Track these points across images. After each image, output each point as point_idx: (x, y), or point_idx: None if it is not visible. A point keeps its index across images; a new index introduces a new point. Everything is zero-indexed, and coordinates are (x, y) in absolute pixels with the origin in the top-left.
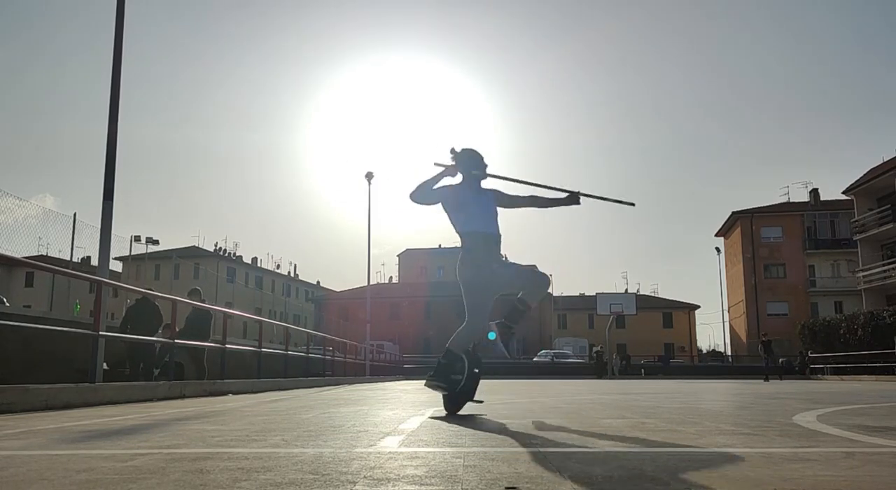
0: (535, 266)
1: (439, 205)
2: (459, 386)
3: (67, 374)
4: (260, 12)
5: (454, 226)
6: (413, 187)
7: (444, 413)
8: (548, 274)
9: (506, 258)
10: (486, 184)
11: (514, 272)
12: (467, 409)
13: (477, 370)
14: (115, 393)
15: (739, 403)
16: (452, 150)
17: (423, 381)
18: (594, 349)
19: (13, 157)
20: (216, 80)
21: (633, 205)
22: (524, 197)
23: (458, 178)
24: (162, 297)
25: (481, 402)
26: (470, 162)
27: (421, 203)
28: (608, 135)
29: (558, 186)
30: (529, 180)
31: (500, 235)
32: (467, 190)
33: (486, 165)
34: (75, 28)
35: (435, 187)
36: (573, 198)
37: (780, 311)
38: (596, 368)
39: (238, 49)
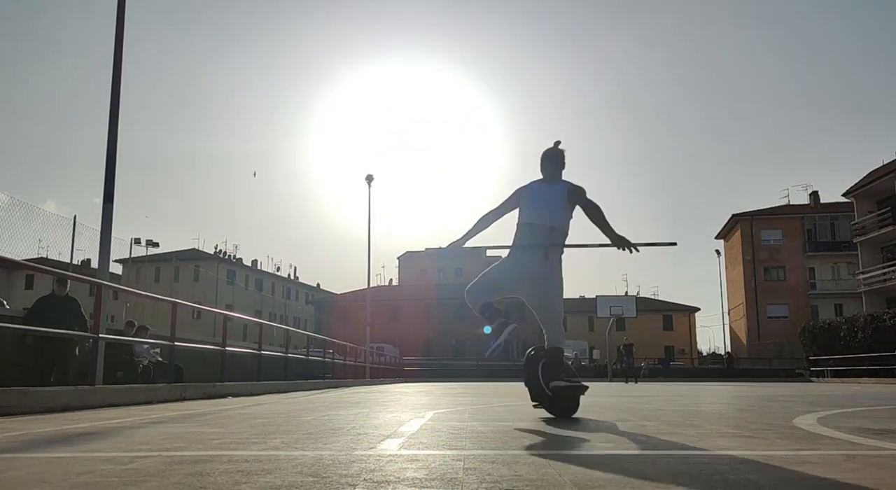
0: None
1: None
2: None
3: (67, 377)
4: (262, 17)
5: None
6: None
7: (444, 415)
8: (562, 333)
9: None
10: (571, 179)
11: (541, 291)
12: (470, 412)
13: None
14: (114, 395)
15: (740, 406)
16: (557, 143)
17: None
18: (623, 343)
19: (16, 162)
20: (216, 84)
21: (674, 244)
22: (595, 208)
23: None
24: (163, 299)
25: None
26: (544, 155)
27: (490, 224)
28: (608, 138)
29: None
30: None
31: (558, 229)
32: (535, 184)
33: (554, 160)
34: (77, 32)
35: (505, 200)
36: (620, 241)
37: (781, 314)
38: (626, 370)
39: (239, 52)
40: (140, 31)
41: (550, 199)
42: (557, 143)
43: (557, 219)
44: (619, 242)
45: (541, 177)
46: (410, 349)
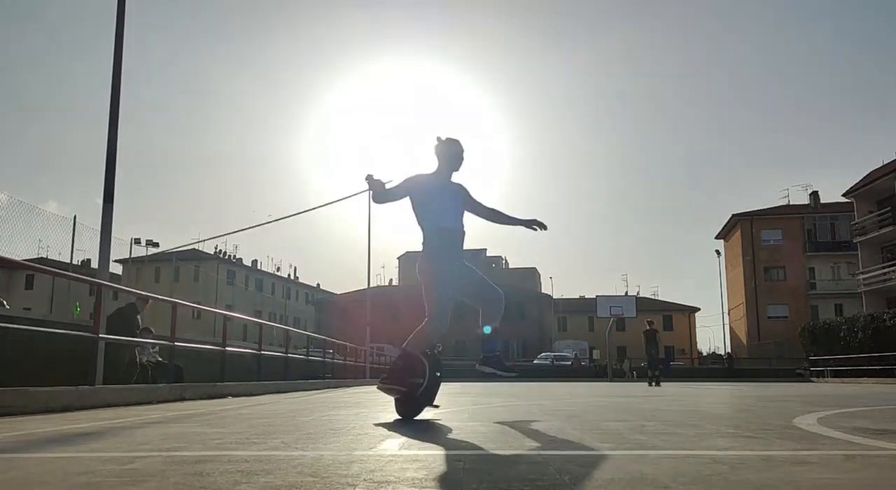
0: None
1: (407, 198)
2: (420, 390)
3: (67, 377)
4: (261, 15)
5: (418, 220)
6: (375, 195)
7: (444, 415)
8: (502, 292)
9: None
10: (456, 177)
11: (475, 278)
12: (470, 412)
13: (438, 374)
14: (114, 395)
15: (739, 406)
16: (438, 139)
17: (376, 385)
18: (646, 328)
19: (17, 162)
20: (217, 84)
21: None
22: (486, 207)
23: (433, 167)
24: (163, 299)
25: (437, 407)
26: (447, 152)
27: (385, 202)
28: (608, 138)
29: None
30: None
31: (464, 232)
32: (434, 182)
33: (462, 159)
34: (77, 32)
35: (398, 184)
36: (532, 222)
37: (781, 314)
38: (651, 365)
39: (239, 52)
40: (140, 31)
41: (454, 200)
42: (443, 138)
43: (461, 220)
44: (532, 223)
45: (436, 168)
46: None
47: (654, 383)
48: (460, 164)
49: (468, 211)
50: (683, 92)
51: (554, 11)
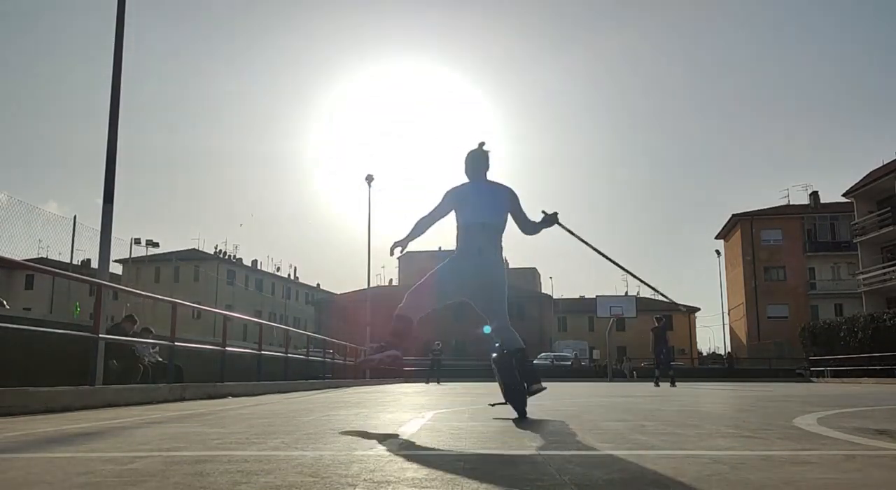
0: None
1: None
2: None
3: (67, 377)
4: (263, 16)
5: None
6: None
7: (444, 416)
8: (521, 340)
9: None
10: (502, 181)
11: (486, 289)
12: (470, 412)
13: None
14: (114, 395)
15: (739, 406)
16: (481, 144)
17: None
18: (655, 325)
19: (17, 162)
20: (217, 84)
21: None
22: (527, 220)
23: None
24: (163, 299)
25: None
26: (469, 155)
27: (432, 224)
28: (609, 138)
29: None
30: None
31: (494, 224)
32: (473, 186)
33: (477, 156)
34: (77, 32)
35: (437, 205)
36: (551, 219)
37: (781, 314)
38: (662, 364)
39: (240, 52)
40: (140, 31)
41: (495, 199)
42: (482, 143)
43: (502, 219)
44: (551, 221)
45: (466, 178)
46: (411, 349)
47: (661, 383)
48: (479, 161)
49: (512, 214)
50: (683, 92)
51: (553, 11)
